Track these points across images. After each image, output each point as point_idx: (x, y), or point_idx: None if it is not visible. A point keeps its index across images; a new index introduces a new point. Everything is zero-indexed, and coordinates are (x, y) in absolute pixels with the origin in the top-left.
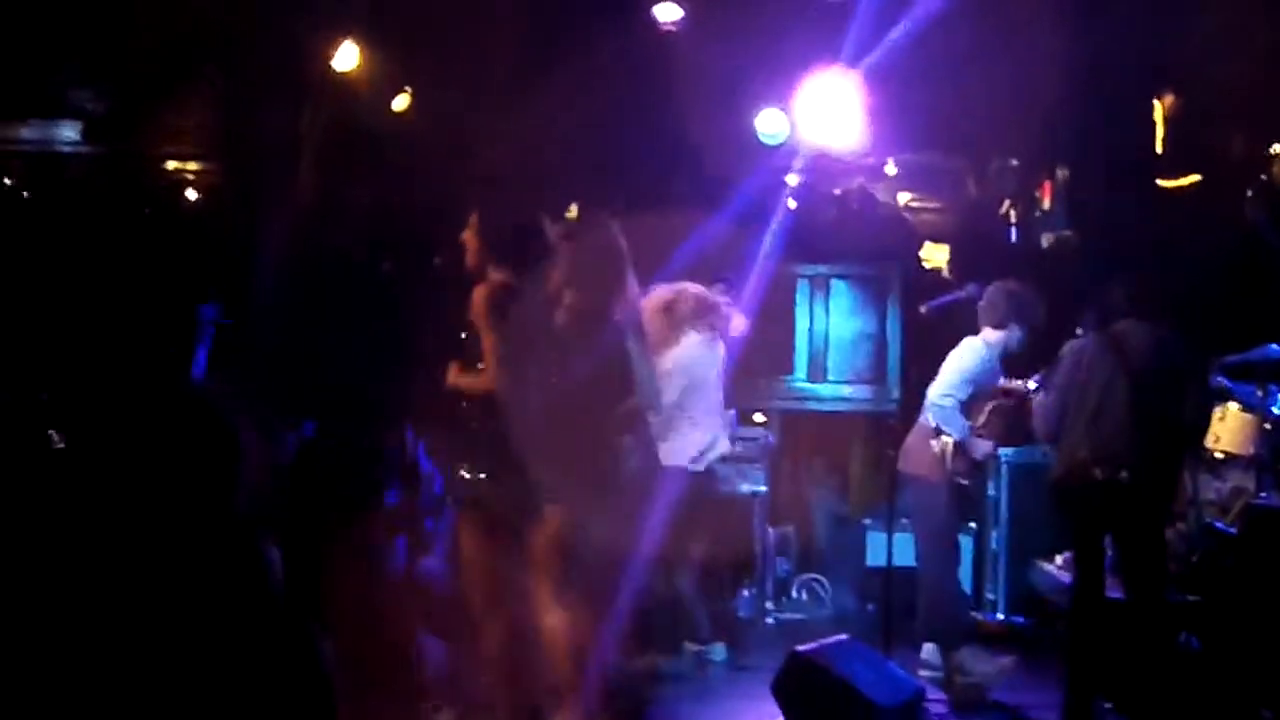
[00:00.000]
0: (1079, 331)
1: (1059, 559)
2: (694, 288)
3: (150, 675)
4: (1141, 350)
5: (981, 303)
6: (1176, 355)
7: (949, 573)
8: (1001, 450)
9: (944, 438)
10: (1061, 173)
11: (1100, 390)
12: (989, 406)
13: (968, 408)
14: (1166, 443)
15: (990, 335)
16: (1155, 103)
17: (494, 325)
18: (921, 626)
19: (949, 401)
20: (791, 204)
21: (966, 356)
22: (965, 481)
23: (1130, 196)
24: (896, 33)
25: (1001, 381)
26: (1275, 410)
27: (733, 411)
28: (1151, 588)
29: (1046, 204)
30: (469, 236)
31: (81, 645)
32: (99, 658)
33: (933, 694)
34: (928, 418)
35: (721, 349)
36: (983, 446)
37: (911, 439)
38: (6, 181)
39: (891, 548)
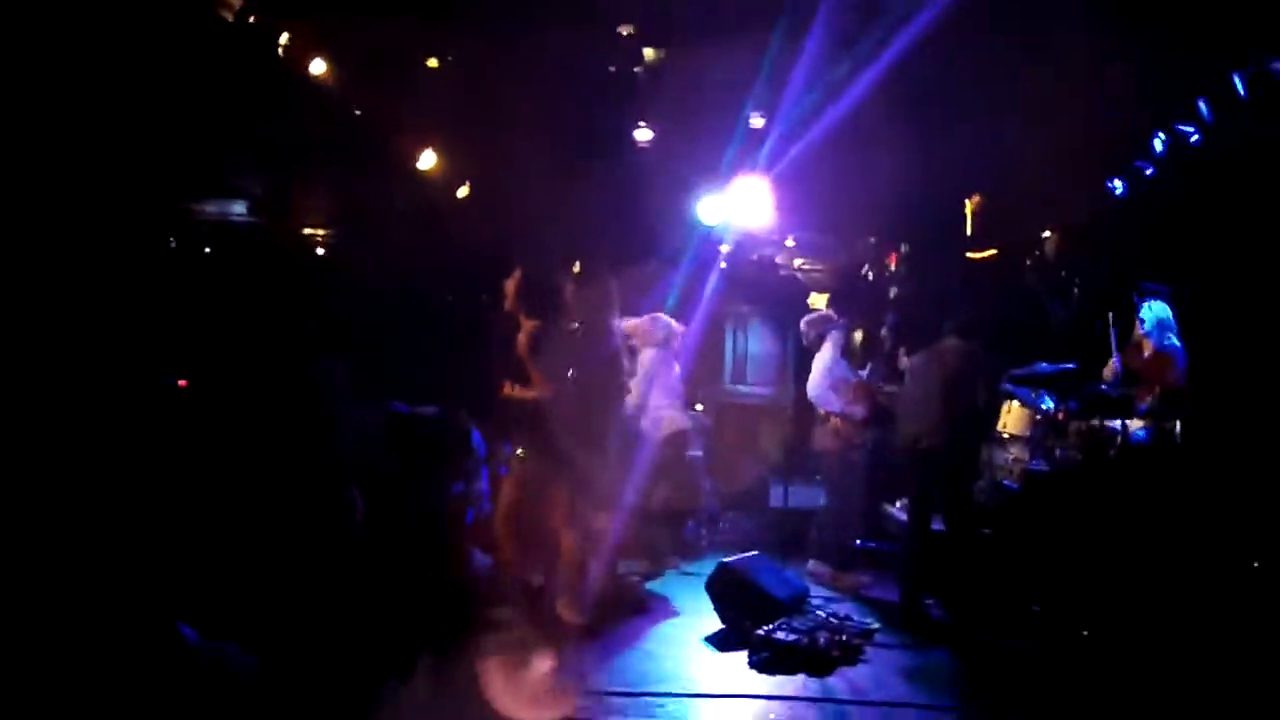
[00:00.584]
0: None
1: (899, 503)
2: (662, 318)
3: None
4: (955, 360)
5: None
6: (977, 362)
7: (847, 513)
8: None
9: (834, 418)
10: (904, 247)
11: (924, 389)
12: (853, 387)
13: (841, 391)
14: (968, 424)
15: (827, 345)
16: (966, 201)
17: (533, 356)
18: (813, 547)
19: (818, 390)
20: (723, 265)
21: (820, 361)
22: (859, 441)
23: (949, 263)
24: (794, 151)
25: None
26: (1043, 406)
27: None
28: (962, 523)
29: (894, 267)
30: (509, 287)
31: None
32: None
33: (815, 592)
34: (820, 410)
35: (675, 359)
36: (857, 411)
37: (817, 428)
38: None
39: (787, 494)
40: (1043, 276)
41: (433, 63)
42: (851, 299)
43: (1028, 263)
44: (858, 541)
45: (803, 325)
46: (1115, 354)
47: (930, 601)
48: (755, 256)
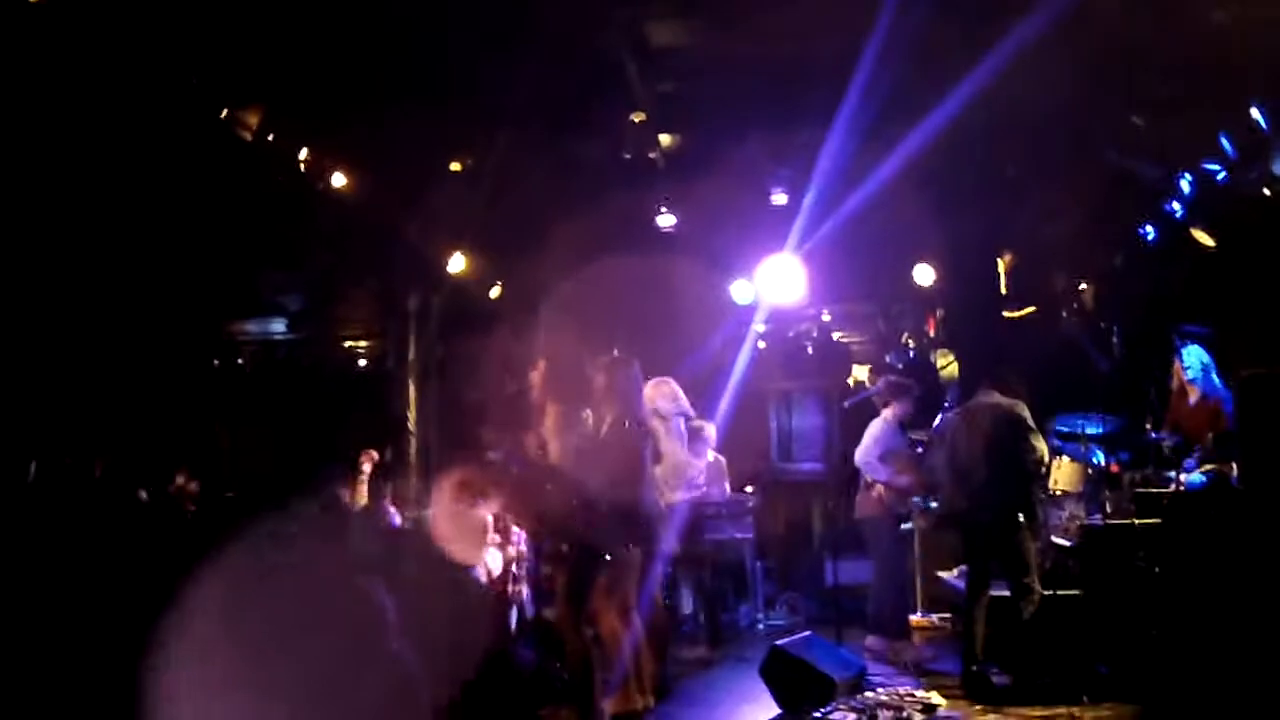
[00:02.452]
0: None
1: (955, 570)
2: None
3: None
4: (992, 422)
5: (877, 394)
6: (1010, 423)
7: (896, 584)
8: (914, 499)
9: (879, 486)
10: (940, 311)
11: (966, 456)
12: (903, 457)
13: (889, 461)
14: (1015, 486)
15: (886, 413)
16: (999, 260)
17: (558, 436)
18: (871, 623)
19: (870, 458)
20: (761, 345)
21: (874, 429)
22: (903, 511)
23: (986, 324)
24: (823, 225)
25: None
26: (1094, 460)
27: (727, 482)
28: (1024, 588)
29: (932, 332)
30: (535, 377)
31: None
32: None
33: (873, 669)
34: (865, 477)
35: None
36: (903, 480)
37: (859, 495)
38: (239, 361)
39: (836, 571)
40: (1083, 328)
41: (456, 167)
42: (890, 368)
43: (1064, 315)
44: (918, 612)
45: (881, 386)
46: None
47: (993, 669)
48: (791, 333)
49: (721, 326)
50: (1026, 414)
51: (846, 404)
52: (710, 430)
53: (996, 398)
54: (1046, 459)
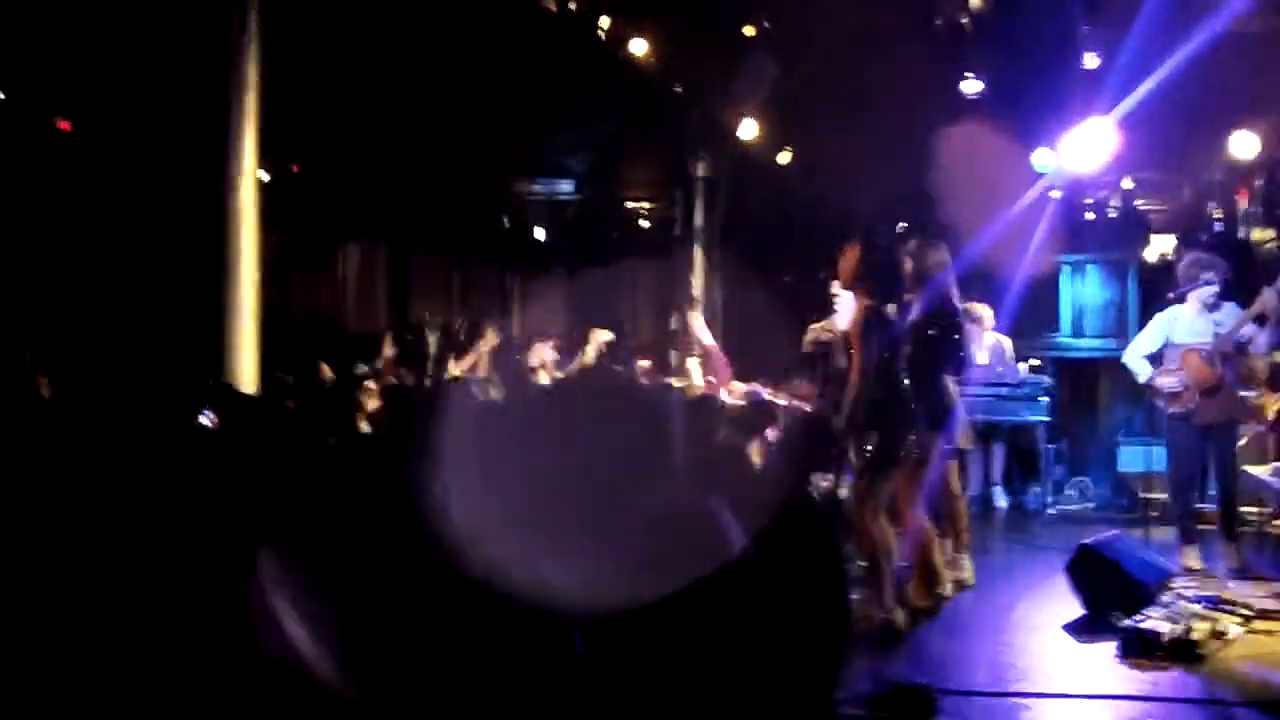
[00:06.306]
0: None
1: (1270, 467)
2: None
3: None
4: None
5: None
6: None
7: (1177, 484)
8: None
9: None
10: (1259, 182)
11: None
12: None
13: (1172, 357)
14: None
15: (1191, 297)
16: None
17: (862, 335)
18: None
19: (1129, 351)
20: (1057, 213)
21: (1160, 319)
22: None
23: None
24: (1134, 89)
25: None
26: None
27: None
28: None
29: (1244, 205)
30: (846, 262)
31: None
32: None
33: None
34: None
35: None
36: (1168, 384)
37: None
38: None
39: (1140, 457)
40: None
41: (749, 31)
42: (1194, 241)
43: None
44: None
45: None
46: None
47: None
48: (1090, 200)
49: (1020, 195)
50: None
51: (1173, 295)
52: (987, 313)
53: None
54: None
